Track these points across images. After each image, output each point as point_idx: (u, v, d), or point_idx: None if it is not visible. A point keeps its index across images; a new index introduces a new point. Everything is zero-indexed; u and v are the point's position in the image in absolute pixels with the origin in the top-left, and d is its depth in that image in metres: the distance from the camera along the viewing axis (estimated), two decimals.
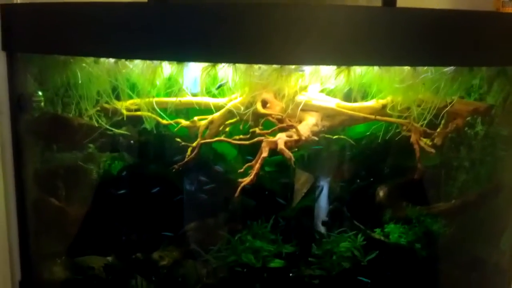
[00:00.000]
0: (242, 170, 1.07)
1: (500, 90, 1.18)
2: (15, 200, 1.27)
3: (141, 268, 1.20)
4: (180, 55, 1.00)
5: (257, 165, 1.04)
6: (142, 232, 1.24)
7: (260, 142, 1.09)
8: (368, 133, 1.28)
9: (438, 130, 1.19)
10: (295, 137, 1.08)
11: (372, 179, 1.26)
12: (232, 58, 0.99)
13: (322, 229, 1.23)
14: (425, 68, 1.09)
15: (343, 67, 1.07)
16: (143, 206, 1.24)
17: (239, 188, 1.03)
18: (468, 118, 1.21)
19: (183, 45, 0.96)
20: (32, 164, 1.25)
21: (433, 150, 1.11)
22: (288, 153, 1.04)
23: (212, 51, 0.96)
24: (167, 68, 1.13)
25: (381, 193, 1.24)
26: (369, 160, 1.26)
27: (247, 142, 1.10)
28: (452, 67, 1.09)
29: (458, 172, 1.23)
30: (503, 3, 1.30)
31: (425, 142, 1.19)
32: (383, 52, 0.98)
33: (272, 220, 1.23)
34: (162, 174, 1.23)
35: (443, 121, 1.19)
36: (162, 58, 1.03)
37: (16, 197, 1.26)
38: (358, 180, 1.26)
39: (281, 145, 1.05)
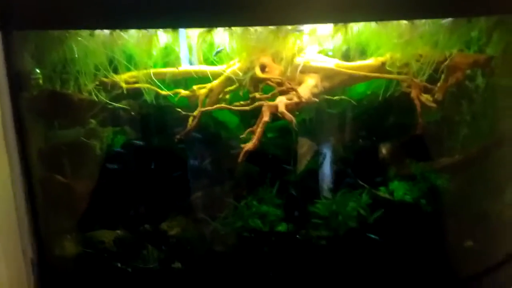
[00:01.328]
0: (244, 135, 1.07)
1: (499, 41, 1.17)
2: (22, 179, 1.28)
3: (151, 239, 1.21)
4: (174, 22, 0.99)
5: (259, 130, 1.04)
6: (149, 204, 1.25)
7: (260, 107, 1.09)
8: (369, 92, 1.27)
9: (439, 84, 1.19)
10: (295, 99, 1.08)
11: (374, 138, 1.26)
12: (227, 22, 0.99)
13: (327, 190, 1.23)
14: (423, 21, 1.08)
15: (340, 25, 1.06)
16: (149, 178, 1.25)
17: (242, 153, 1.03)
18: (468, 71, 1.20)
19: (176, 11, 0.95)
20: (36, 143, 1.25)
21: (434, 105, 1.11)
22: (290, 116, 1.04)
23: (207, 15, 0.96)
24: (163, 37, 1.13)
25: (384, 151, 1.24)
26: (371, 119, 1.26)
27: (247, 108, 1.10)
28: (449, 19, 1.08)
29: (459, 126, 1.23)
30: None
31: (426, 97, 1.19)
32: (379, 6, 0.97)
33: (277, 185, 1.24)
34: (165, 145, 1.24)
35: (443, 76, 1.18)
36: (156, 26, 1.02)
37: (22, 176, 1.27)
38: (361, 140, 1.26)
39: (281, 108, 1.05)
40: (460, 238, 1.22)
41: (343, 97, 1.22)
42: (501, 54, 1.18)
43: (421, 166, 1.23)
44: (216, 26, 1.01)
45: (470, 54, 1.17)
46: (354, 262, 1.17)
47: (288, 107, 1.06)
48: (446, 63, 1.14)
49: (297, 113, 1.16)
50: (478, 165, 1.24)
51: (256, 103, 1.08)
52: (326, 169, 1.26)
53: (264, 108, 1.06)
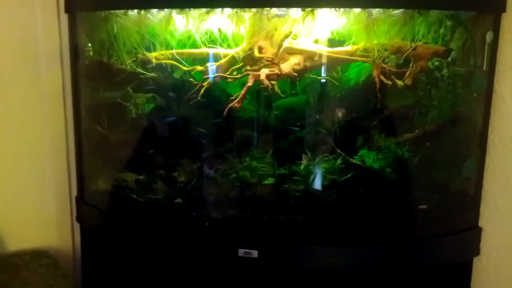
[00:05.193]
0: (234, 97, 1.36)
1: (460, 37, 1.38)
2: (74, 129, 1.64)
3: (163, 181, 1.52)
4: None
5: (243, 92, 1.34)
6: (165, 156, 1.56)
7: (256, 76, 1.37)
8: (353, 78, 1.52)
9: (408, 71, 1.41)
10: (276, 71, 1.36)
11: (353, 115, 1.49)
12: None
13: (310, 154, 1.48)
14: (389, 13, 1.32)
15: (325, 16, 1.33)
16: (166, 135, 1.57)
17: (227, 109, 1.33)
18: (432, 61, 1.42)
19: None
20: (85, 100, 1.61)
21: (390, 82, 1.34)
22: (267, 83, 1.32)
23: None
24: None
25: (359, 126, 1.48)
26: (350, 98, 1.50)
27: (238, 76, 1.39)
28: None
29: (421, 107, 1.44)
30: None
31: (399, 83, 1.42)
32: None
33: (271, 149, 1.50)
34: (182, 109, 1.54)
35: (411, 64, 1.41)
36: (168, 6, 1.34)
37: (74, 126, 1.64)
38: (341, 115, 1.50)
39: (262, 77, 1.33)
40: (416, 202, 1.43)
41: (327, 78, 1.48)
42: (460, 47, 1.39)
43: (388, 139, 1.46)
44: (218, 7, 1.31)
45: (431, 46, 1.39)
46: (321, 212, 1.40)
47: (269, 77, 1.34)
48: (409, 51, 1.37)
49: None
50: (435, 140, 1.44)
51: (245, 73, 1.37)
52: (311, 138, 1.51)
53: (249, 77, 1.35)
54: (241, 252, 1.34)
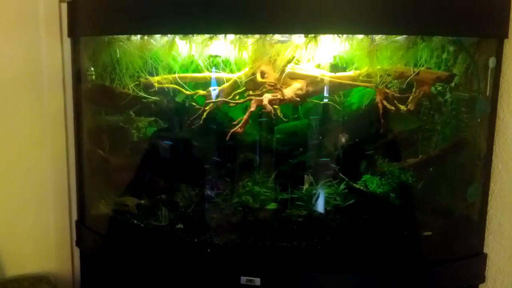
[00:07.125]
0: (236, 122, 1.36)
1: (463, 62, 1.38)
2: (75, 152, 1.64)
3: (164, 206, 1.50)
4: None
5: (245, 117, 1.33)
6: (167, 180, 1.55)
7: (258, 101, 1.37)
8: (355, 102, 1.52)
9: (411, 96, 1.41)
10: (279, 96, 1.35)
11: (356, 139, 1.48)
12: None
13: (313, 179, 1.47)
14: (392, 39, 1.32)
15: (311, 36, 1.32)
16: (168, 159, 1.55)
17: (229, 134, 1.32)
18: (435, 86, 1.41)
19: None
20: (86, 124, 1.61)
21: (393, 107, 1.34)
22: (269, 107, 1.32)
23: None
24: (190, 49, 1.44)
25: (362, 150, 1.47)
26: (353, 123, 1.49)
27: (241, 101, 1.39)
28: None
29: (425, 132, 1.44)
30: None
31: (402, 108, 1.42)
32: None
33: (274, 173, 1.49)
34: (184, 133, 1.54)
35: (413, 89, 1.41)
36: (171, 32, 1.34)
37: (75, 150, 1.63)
38: (344, 140, 1.49)
39: (265, 102, 1.33)
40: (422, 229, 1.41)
41: (330, 102, 1.47)
42: (463, 73, 1.39)
43: (391, 165, 1.45)
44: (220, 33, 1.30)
45: (434, 71, 1.39)
46: (325, 238, 1.38)
47: (271, 102, 1.34)
48: (412, 77, 1.36)
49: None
50: (439, 165, 1.43)
51: (247, 98, 1.37)
52: (313, 162, 1.50)
53: (252, 102, 1.34)
54: (243, 279, 1.32)
